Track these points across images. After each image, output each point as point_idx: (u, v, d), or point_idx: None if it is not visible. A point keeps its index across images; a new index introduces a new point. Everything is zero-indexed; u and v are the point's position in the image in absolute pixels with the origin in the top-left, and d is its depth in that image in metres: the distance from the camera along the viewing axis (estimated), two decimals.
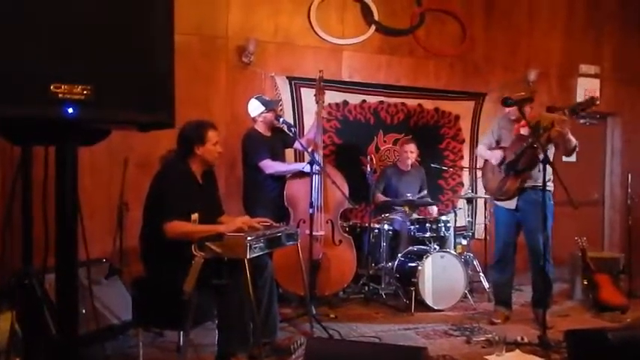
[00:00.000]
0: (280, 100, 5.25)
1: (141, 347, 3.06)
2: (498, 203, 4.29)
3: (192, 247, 2.79)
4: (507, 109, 4.10)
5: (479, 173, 5.17)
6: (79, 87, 1.25)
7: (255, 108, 4.54)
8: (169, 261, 2.85)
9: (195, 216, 2.98)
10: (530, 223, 4.04)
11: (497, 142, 4.31)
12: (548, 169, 3.65)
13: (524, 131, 4.06)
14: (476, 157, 5.95)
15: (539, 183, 3.92)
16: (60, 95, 1.24)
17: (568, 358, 2.82)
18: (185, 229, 2.88)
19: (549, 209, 3.93)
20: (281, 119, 4.46)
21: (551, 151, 3.96)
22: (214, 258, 2.79)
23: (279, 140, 4.54)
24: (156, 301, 2.94)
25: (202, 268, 2.74)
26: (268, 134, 4.54)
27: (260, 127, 4.55)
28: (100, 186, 4.39)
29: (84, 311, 2.98)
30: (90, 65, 1.30)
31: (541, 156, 3.62)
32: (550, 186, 3.97)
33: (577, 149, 3.97)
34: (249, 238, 2.80)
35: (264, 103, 4.51)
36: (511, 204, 4.13)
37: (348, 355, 2.45)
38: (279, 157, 4.59)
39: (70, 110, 1.25)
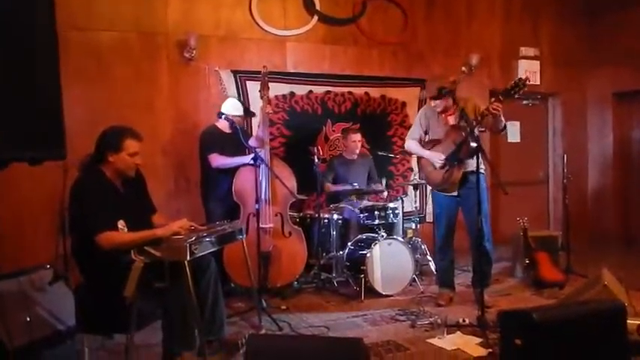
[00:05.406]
0: (255, 114, 5.09)
1: (86, 353, 3.07)
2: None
3: (132, 251, 2.80)
4: (433, 103, 4.22)
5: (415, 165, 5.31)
6: None
7: (233, 108, 4.61)
8: (107, 268, 2.84)
9: (121, 223, 2.90)
10: (471, 207, 4.10)
11: (426, 133, 4.41)
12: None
13: (452, 120, 4.19)
14: None
15: (475, 167, 4.09)
16: None
17: (500, 338, 2.97)
18: (121, 239, 2.83)
19: (484, 191, 4.11)
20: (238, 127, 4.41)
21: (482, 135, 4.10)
22: (155, 261, 2.81)
23: (239, 138, 4.51)
24: (98, 308, 2.94)
25: (143, 271, 2.75)
26: (228, 131, 4.55)
27: (221, 124, 4.61)
28: (41, 191, 4.31)
29: (28, 319, 2.97)
30: None
31: (473, 144, 3.73)
32: (483, 169, 4.12)
33: (505, 129, 4.14)
34: (189, 241, 2.83)
35: (245, 110, 4.67)
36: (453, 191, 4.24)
37: (287, 350, 2.52)
38: (238, 154, 4.55)
39: None
